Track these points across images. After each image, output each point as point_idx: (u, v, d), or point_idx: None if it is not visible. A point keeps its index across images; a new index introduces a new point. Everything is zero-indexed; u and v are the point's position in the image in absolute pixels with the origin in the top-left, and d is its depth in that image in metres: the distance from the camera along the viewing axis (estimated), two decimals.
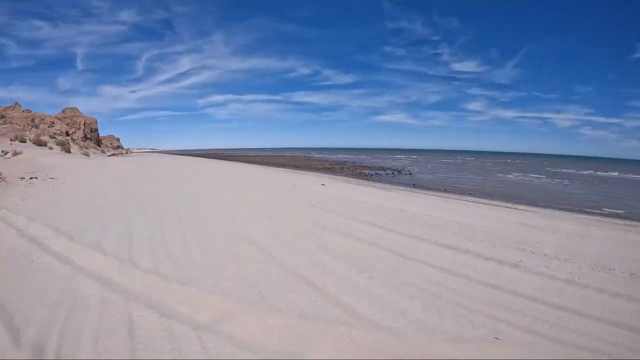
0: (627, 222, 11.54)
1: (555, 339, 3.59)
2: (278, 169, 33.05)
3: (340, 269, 5.32)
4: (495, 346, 3.43)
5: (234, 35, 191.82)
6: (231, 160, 51.87)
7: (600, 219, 11.89)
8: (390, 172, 31.52)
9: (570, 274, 5.32)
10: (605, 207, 14.81)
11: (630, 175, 37.75)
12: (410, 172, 32.03)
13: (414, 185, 20.72)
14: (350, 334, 3.54)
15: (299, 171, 29.82)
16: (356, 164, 42.63)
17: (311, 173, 27.82)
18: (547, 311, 4.16)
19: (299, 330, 3.58)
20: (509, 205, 13.81)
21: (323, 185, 17.14)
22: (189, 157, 60.59)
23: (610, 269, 5.64)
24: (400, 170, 33.01)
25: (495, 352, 3.34)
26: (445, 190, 18.66)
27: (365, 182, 21.66)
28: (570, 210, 13.42)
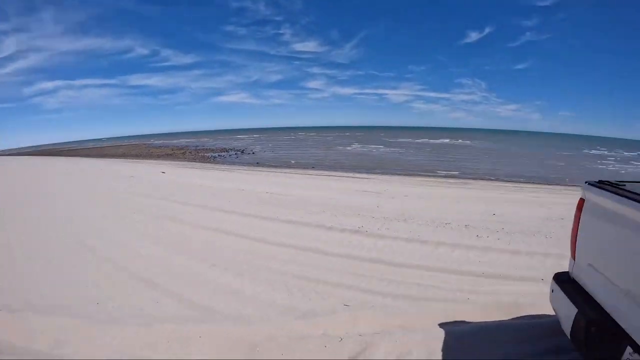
0: (460, 180, 13.77)
1: (404, 296, 3.81)
2: (118, 160, 30.01)
3: (180, 260, 4.94)
4: (345, 314, 3.47)
5: (66, 12, 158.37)
6: (65, 155, 42.25)
7: (436, 179, 13.96)
8: (233, 153, 31.94)
9: (410, 233, 5.89)
10: (440, 170, 17.52)
11: (459, 141, 45.82)
12: (253, 151, 32.82)
13: (257, 164, 21.15)
14: (200, 331, 3.22)
15: (139, 160, 27.91)
16: (198, 148, 41.44)
17: (152, 161, 26.51)
18: (392, 271, 4.44)
19: (143, 339, 3.09)
20: (350, 175, 14.95)
21: (163, 172, 16.23)
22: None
23: (446, 224, 6.45)
24: (243, 151, 33.63)
25: (345, 319, 3.35)
26: (289, 166, 19.45)
27: (209, 165, 21.33)
28: (408, 175, 15.34)
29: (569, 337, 2.13)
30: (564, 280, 2.47)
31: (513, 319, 3.33)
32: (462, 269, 4.52)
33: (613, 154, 39.65)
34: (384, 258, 4.90)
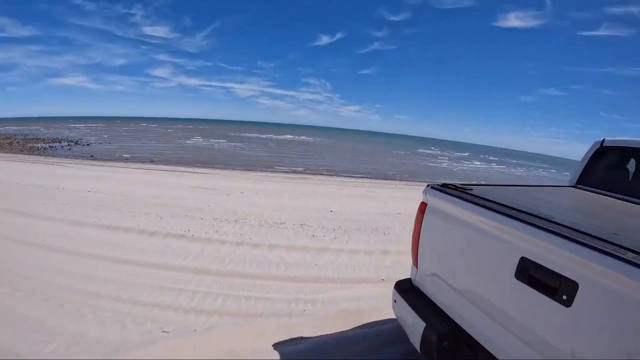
0: (299, 176, 13.94)
1: (232, 314, 3.23)
2: None
3: None
4: (163, 343, 2.74)
5: None
6: None
7: (276, 175, 13.78)
8: (66, 143, 27.08)
9: (241, 235, 5.30)
10: (280, 165, 17.57)
11: (302, 138, 48.20)
12: (88, 142, 28.58)
13: (92, 157, 17.96)
14: None
15: None
16: (28, 137, 33.48)
17: None
18: (219, 282, 3.80)
19: None
20: (189, 169, 13.76)
21: None
22: None
23: (281, 223, 6.06)
24: (77, 141, 28.92)
25: (163, 350, 2.66)
26: (126, 160, 17.25)
27: (40, 157, 16.92)
28: (248, 170, 14.89)
29: (419, 350, 1.98)
30: (406, 290, 2.29)
31: (356, 328, 3.10)
32: (298, 275, 4.15)
33: (445, 153, 48.24)
34: (210, 267, 4.18)
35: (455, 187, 2.18)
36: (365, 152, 35.31)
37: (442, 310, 2.00)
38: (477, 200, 1.86)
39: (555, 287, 1.37)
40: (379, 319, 3.23)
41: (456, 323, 1.89)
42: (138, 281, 3.72)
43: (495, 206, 1.76)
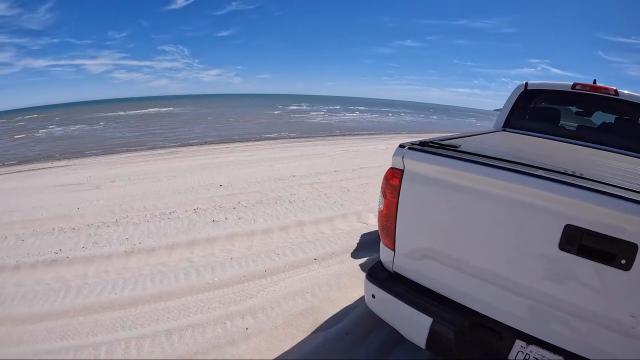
0: (169, 150, 12.06)
1: None
2: None
3: None
4: None
5: None
6: None
7: (144, 154, 11.65)
8: None
9: (127, 240, 4.04)
10: (148, 142, 15.16)
11: (169, 109, 43.05)
12: None
13: None
14: None
15: None
16: None
17: None
18: (120, 320, 2.68)
19: None
20: (46, 165, 10.72)
21: None
22: None
23: (171, 212, 4.93)
24: None
25: None
26: None
27: None
28: (113, 153, 12.45)
29: (423, 347, 1.71)
30: (385, 280, 1.88)
31: (318, 331, 2.56)
32: (217, 279, 3.27)
33: (317, 108, 48.08)
34: (102, 300, 2.94)
35: (440, 145, 1.74)
36: (235, 115, 33.32)
37: (443, 296, 1.71)
38: (484, 160, 1.52)
39: (612, 252, 1.23)
40: (337, 311, 2.75)
41: (467, 308, 1.63)
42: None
43: (518, 167, 1.44)
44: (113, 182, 6.86)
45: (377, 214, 5.01)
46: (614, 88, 2.95)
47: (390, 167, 1.79)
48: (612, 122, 3.16)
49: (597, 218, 1.24)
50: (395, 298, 1.76)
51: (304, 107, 49.96)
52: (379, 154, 11.29)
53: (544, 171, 1.41)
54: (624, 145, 2.80)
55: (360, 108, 56.13)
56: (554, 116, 3.33)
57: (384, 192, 1.83)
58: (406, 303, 1.72)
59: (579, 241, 1.27)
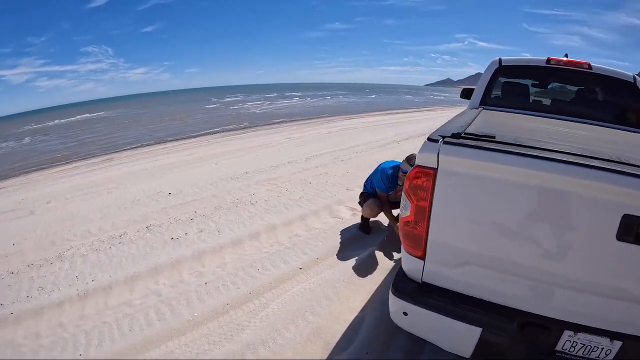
0: (103, 158, 10.82)
1: None
2: None
3: None
4: None
5: None
6: None
7: (74, 166, 10.35)
8: None
9: (77, 280, 3.33)
10: (80, 153, 13.52)
11: (100, 114, 38.96)
12: None
13: None
14: None
15: None
16: None
17: None
18: None
19: None
20: None
21: None
22: None
23: (121, 235, 4.22)
24: None
25: None
26: None
27: None
28: (47, 168, 10.90)
29: (469, 356, 1.64)
30: (416, 293, 1.70)
31: (334, 357, 2.26)
32: (197, 314, 2.78)
33: (255, 97, 46.04)
34: None
35: (476, 137, 1.54)
36: (170, 114, 31.03)
37: (484, 301, 1.60)
38: (531, 152, 1.40)
39: None
40: (345, 328, 2.47)
41: (513, 309, 1.56)
42: None
43: (569, 158, 1.37)
44: (48, 203, 5.86)
45: (348, 206, 4.81)
46: (587, 62, 3.05)
47: (418, 166, 1.56)
48: (586, 95, 3.28)
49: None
50: (433, 312, 1.61)
51: (240, 98, 48.21)
52: (324, 138, 11.12)
53: (597, 161, 1.35)
54: (602, 117, 2.95)
55: (297, 94, 55.53)
56: (527, 92, 3.41)
57: (408, 196, 1.62)
58: (448, 316, 1.58)
59: (636, 230, 1.27)
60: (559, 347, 1.55)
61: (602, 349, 1.50)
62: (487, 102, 3.30)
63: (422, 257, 1.65)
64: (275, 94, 54.99)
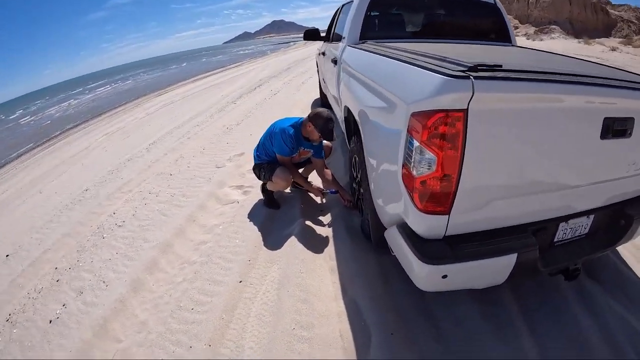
0: None
1: None
2: None
3: None
4: None
5: None
6: None
7: None
8: None
9: None
10: None
11: None
12: None
13: None
14: None
15: None
16: None
17: None
18: None
19: None
20: None
21: None
22: None
23: None
24: None
25: None
26: None
27: None
28: None
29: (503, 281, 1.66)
30: (448, 252, 1.52)
31: None
32: None
33: (43, 104, 36.97)
34: None
35: (501, 68, 1.41)
36: None
37: (506, 227, 1.64)
38: (545, 77, 1.45)
39: (624, 129, 1.59)
40: (347, 326, 2.07)
41: (527, 224, 1.67)
42: None
43: (568, 78, 1.50)
44: None
45: (232, 185, 4.14)
46: None
47: (442, 110, 1.32)
48: (457, 18, 3.60)
49: (620, 106, 1.57)
50: (472, 262, 1.51)
51: (34, 109, 36.18)
52: (148, 122, 9.68)
53: (583, 77, 1.54)
54: (475, 36, 3.45)
55: (96, 83, 48.39)
56: (403, 21, 3.60)
57: (430, 149, 1.38)
58: (487, 257, 1.52)
59: (612, 128, 1.55)
60: (556, 239, 1.81)
61: (582, 225, 1.83)
62: (367, 36, 3.28)
63: (447, 212, 1.49)
64: (63, 95, 44.12)
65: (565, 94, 1.45)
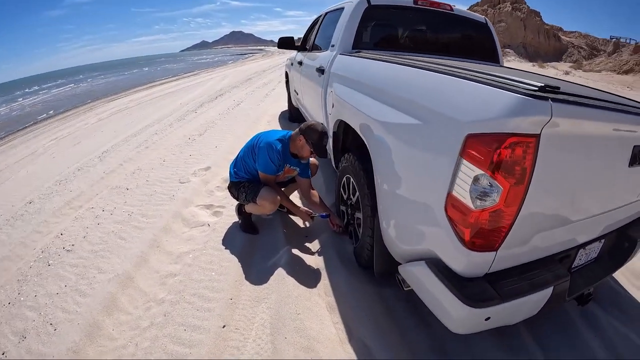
0: None
1: None
2: None
3: None
4: None
5: None
6: None
7: None
8: None
9: None
10: None
11: None
12: None
13: None
14: None
15: None
16: None
17: None
18: None
19: None
20: None
21: None
22: None
23: None
24: None
25: None
26: None
27: None
28: None
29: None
30: (496, 292, 1.36)
31: None
32: None
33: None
34: None
35: (561, 91, 1.23)
36: None
37: (542, 258, 1.57)
38: (601, 103, 1.38)
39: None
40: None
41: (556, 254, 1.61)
42: None
43: (615, 106, 1.46)
44: None
45: (200, 204, 3.72)
46: (450, 4, 3.40)
47: (514, 135, 1.14)
48: (450, 34, 3.61)
49: None
50: (514, 301, 1.36)
51: None
52: (100, 127, 8.82)
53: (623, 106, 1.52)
54: (467, 54, 3.46)
55: (56, 83, 44.49)
56: (397, 32, 3.49)
57: (498, 178, 1.19)
58: (528, 294, 1.39)
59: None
60: (574, 265, 1.76)
61: (594, 250, 1.82)
62: (359, 45, 3.15)
63: (496, 248, 1.32)
64: (21, 91, 39.94)
65: (619, 122, 1.43)
